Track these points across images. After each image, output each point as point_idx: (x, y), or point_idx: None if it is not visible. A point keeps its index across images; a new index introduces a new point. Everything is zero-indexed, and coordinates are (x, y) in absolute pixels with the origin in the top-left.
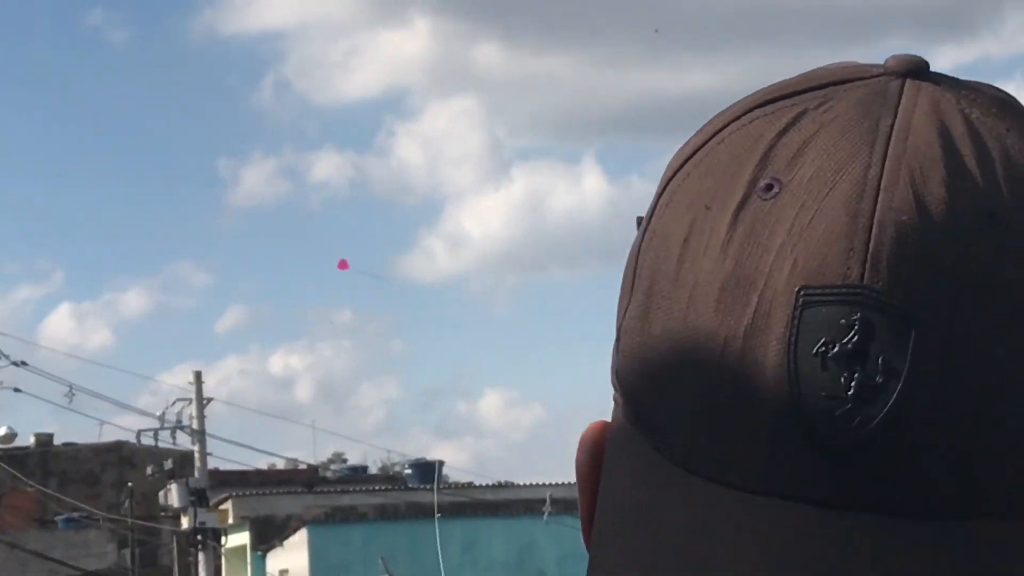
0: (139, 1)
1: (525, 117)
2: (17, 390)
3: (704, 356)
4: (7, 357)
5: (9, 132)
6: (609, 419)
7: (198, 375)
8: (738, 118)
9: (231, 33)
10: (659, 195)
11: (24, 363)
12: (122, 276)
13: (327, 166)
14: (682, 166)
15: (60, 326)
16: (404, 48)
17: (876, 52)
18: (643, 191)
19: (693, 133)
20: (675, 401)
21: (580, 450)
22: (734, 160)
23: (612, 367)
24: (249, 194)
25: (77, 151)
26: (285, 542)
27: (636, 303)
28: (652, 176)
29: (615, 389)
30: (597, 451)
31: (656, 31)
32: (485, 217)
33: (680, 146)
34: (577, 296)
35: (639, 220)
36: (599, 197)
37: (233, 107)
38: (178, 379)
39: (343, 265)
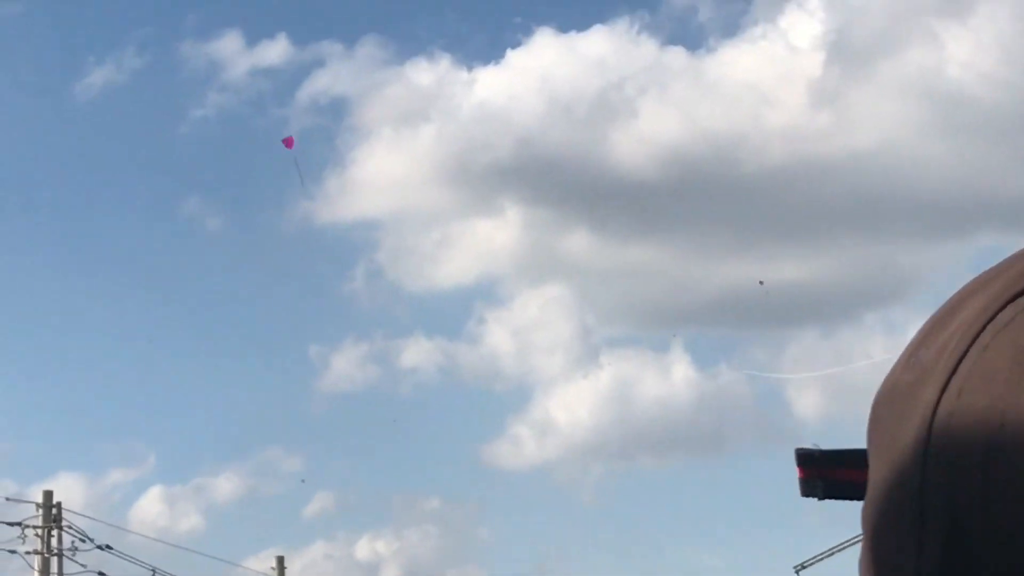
0: (234, 191)
1: (614, 305)
2: (101, 574)
3: None
4: (92, 540)
5: (107, 317)
6: None
7: (280, 560)
8: (992, 319)
9: (326, 222)
10: (933, 412)
11: (109, 547)
12: (213, 461)
13: (417, 352)
14: (949, 381)
15: (149, 510)
16: (495, 237)
17: (969, 245)
18: (731, 380)
19: (924, 334)
20: None
21: None
22: (1017, 365)
23: None
24: (339, 380)
25: (171, 337)
26: None
27: (933, 554)
28: (741, 366)
29: None
30: None
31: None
32: (573, 405)
33: (907, 357)
34: (664, 486)
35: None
36: (687, 386)
37: (326, 294)
38: (263, 564)
39: (288, 143)
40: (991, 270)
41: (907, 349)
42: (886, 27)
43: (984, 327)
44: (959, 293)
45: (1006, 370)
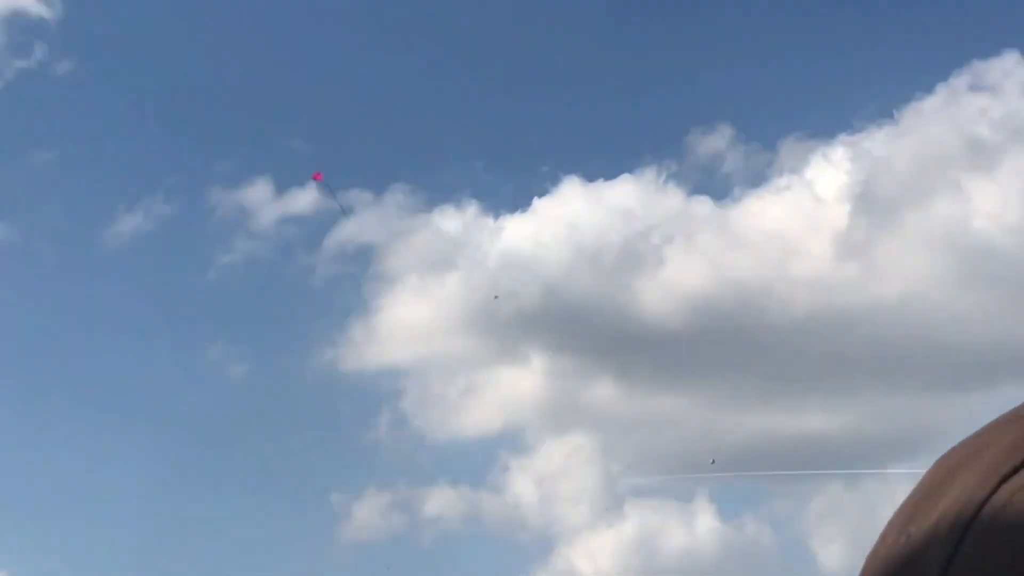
0: (258, 337)
1: (639, 454)
2: None
3: None
4: None
5: (130, 462)
6: None
7: None
8: (987, 500)
9: (350, 369)
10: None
11: None
12: None
13: (440, 500)
14: (948, 567)
15: None
16: (520, 385)
17: (994, 397)
18: (756, 531)
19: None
20: None
21: None
22: (1018, 554)
23: None
24: (361, 528)
25: (192, 482)
26: None
27: None
28: (766, 517)
29: None
30: None
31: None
32: (597, 555)
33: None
34: None
35: None
36: (712, 537)
37: (349, 442)
38: None
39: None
40: (978, 437)
41: (894, 522)
42: (912, 179)
43: (979, 510)
44: (945, 464)
45: (1006, 566)
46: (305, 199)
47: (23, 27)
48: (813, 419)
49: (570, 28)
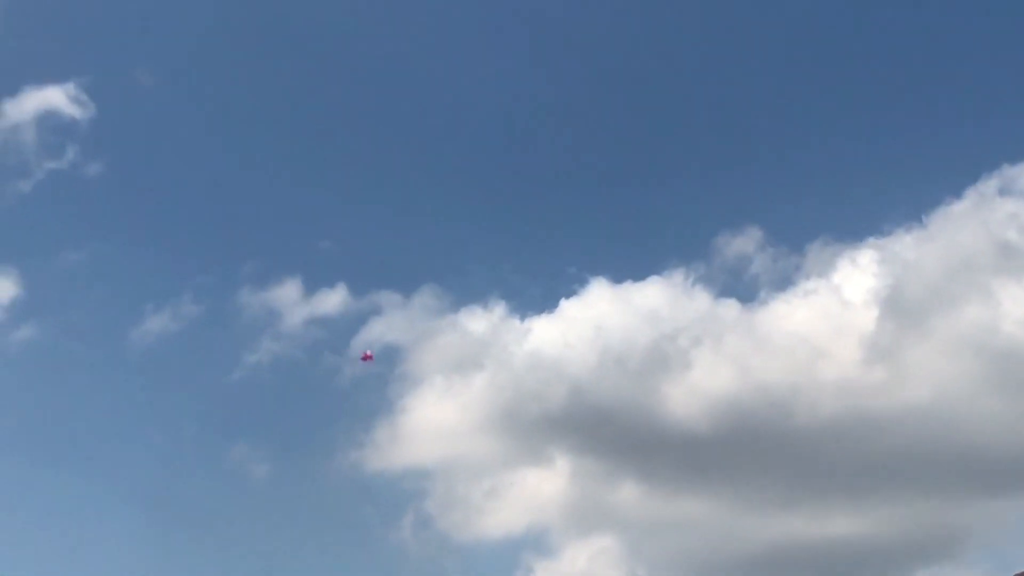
0: (282, 438)
1: (664, 558)
2: None
3: None
4: None
5: (156, 555)
6: None
7: None
8: None
9: (375, 470)
10: None
11: None
12: None
13: None
14: None
15: None
16: (544, 486)
17: (1022, 503)
18: None
19: None
20: None
21: None
22: None
23: None
24: None
25: None
26: None
27: None
28: None
29: None
30: None
31: None
32: None
33: None
34: None
35: None
36: None
37: (373, 542)
38: None
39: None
40: None
41: None
42: (941, 283)
43: None
44: None
45: None
46: (334, 300)
47: (56, 127)
48: (838, 523)
49: (598, 131)
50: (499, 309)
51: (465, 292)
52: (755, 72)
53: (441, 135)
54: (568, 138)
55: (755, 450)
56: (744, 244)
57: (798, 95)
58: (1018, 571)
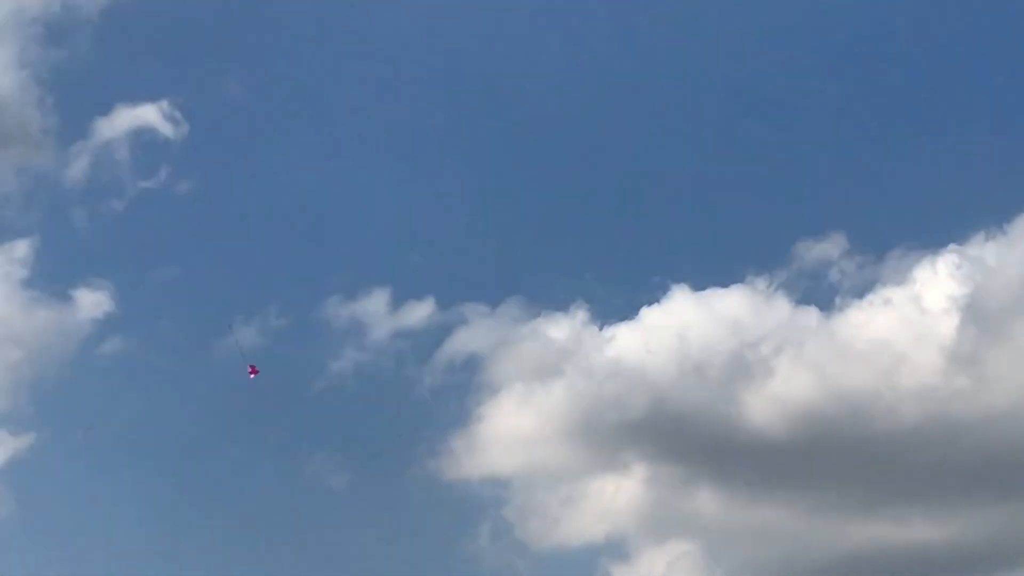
0: (361, 449)
1: (742, 564)
2: None
3: None
4: None
5: (238, 562)
6: None
7: None
8: None
9: (452, 479)
10: None
11: None
12: None
13: None
14: None
15: None
16: (621, 493)
17: None
18: None
19: None
20: None
21: None
22: None
23: None
24: None
25: None
26: None
27: None
28: None
29: None
30: None
31: None
32: None
33: None
34: None
35: None
36: None
37: (450, 551)
38: None
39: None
40: None
41: None
42: (1021, 290)
43: None
44: None
45: None
46: (421, 312)
47: (149, 147)
48: (919, 529)
49: (680, 138)
50: (580, 316)
51: (547, 300)
52: (840, 79)
53: (524, 146)
54: (651, 146)
55: (834, 457)
56: (826, 250)
57: (882, 102)
58: None
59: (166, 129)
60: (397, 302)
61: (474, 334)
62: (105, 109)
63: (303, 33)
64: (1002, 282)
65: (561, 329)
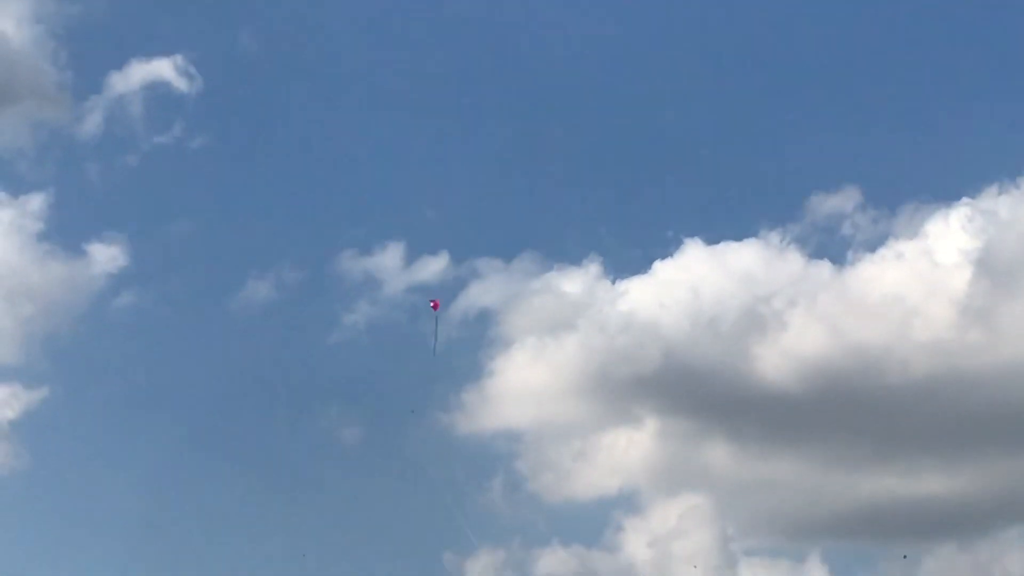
0: (371, 403)
1: (753, 516)
2: None
3: None
4: None
5: (249, 513)
6: None
7: None
8: None
9: (465, 432)
10: None
11: None
12: None
13: (554, 560)
14: None
15: None
16: (633, 448)
17: None
18: None
19: None
20: None
21: None
22: None
23: None
24: None
25: (304, 542)
26: None
27: None
28: None
29: None
30: None
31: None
32: None
33: None
34: None
35: None
36: None
37: (462, 502)
38: None
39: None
40: None
41: None
42: None
43: None
44: None
45: None
46: (435, 266)
47: (164, 101)
48: (930, 482)
49: (692, 93)
50: (593, 270)
51: (561, 254)
52: (854, 34)
53: (539, 102)
54: (664, 100)
55: (846, 410)
56: (840, 203)
57: (897, 56)
58: None
59: (180, 83)
60: (411, 256)
61: (487, 288)
62: (119, 64)
63: None
64: (1015, 236)
65: (574, 283)
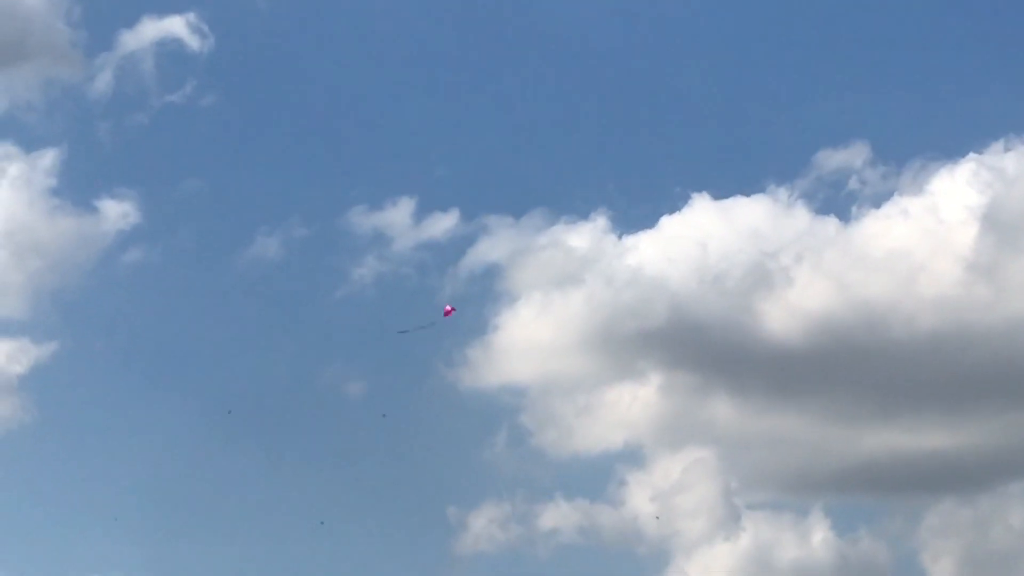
0: (376, 357)
1: (756, 471)
2: None
3: None
4: None
5: (255, 469)
6: None
7: None
8: None
9: (470, 387)
10: None
11: None
12: None
13: (557, 514)
14: None
15: None
16: (637, 402)
17: None
18: (871, 547)
19: None
20: None
21: None
22: None
23: None
24: (477, 540)
25: (311, 496)
26: None
27: None
28: (882, 533)
29: None
30: None
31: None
32: (712, 566)
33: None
34: None
35: None
36: (827, 551)
37: (467, 457)
38: None
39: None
40: None
41: None
42: None
43: None
44: None
45: None
46: (445, 223)
47: (175, 59)
48: (933, 436)
49: (702, 49)
50: (601, 224)
51: (568, 208)
52: None
53: (547, 58)
54: (672, 55)
55: (851, 365)
56: (848, 159)
57: (906, 12)
58: None
59: (192, 41)
60: (421, 213)
61: (495, 243)
62: (131, 21)
63: None
64: (1021, 192)
65: (581, 237)
